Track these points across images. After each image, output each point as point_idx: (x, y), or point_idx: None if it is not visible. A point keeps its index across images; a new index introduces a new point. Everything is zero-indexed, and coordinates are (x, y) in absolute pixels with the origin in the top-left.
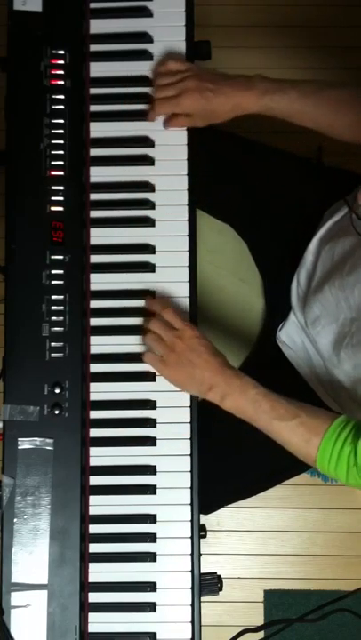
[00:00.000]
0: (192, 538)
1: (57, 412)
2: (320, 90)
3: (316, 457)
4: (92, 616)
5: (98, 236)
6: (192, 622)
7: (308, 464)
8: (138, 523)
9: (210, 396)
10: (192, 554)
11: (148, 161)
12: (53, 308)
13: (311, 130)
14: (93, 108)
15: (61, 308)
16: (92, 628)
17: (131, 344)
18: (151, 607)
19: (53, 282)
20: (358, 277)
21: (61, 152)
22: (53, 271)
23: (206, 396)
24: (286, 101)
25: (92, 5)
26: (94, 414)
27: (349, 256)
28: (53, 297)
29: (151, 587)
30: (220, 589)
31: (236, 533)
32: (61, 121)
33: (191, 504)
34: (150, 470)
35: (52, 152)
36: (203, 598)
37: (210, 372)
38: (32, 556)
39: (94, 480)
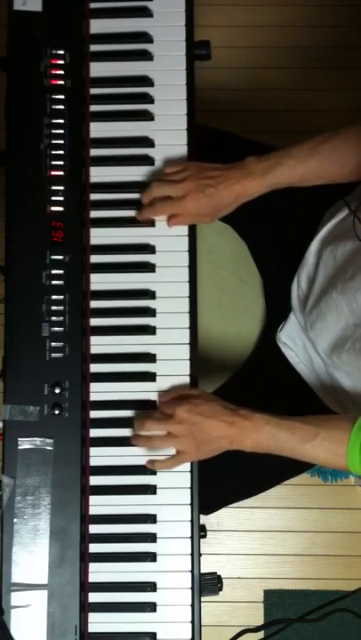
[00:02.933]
0: (192, 538)
1: (57, 411)
2: (316, 147)
3: (348, 464)
4: (92, 616)
5: (98, 235)
6: (192, 622)
7: (310, 465)
8: (138, 523)
9: (232, 448)
10: (192, 554)
11: (148, 161)
12: (53, 308)
13: (312, 131)
14: (93, 108)
15: (61, 308)
16: (92, 628)
17: (131, 344)
18: (151, 607)
19: (53, 282)
20: (360, 283)
21: (61, 152)
22: (53, 271)
23: (229, 449)
24: (288, 171)
25: (92, 5)
26: (94, 414)
27: (351, 261)
28: (53, 297)
29: (151, 587)
30: (220, 589)
31: (236, 533)
32: (61, 121)
33: (191, 504)
34: (150, 470)
35: (52, 152)
36: (203, 598)
37: (221, 430)
38: (32, 555)
39: (94, 480)
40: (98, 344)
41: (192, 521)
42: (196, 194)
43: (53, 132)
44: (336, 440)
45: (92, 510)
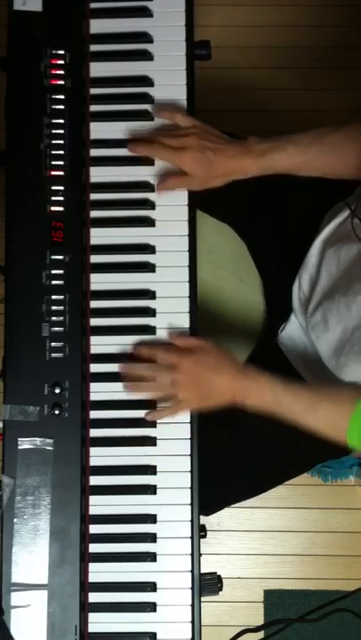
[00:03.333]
0: (192, 538)
1: (57, 411)
2: (318, 138)
3: (346, 437)
4: (92, 616)
5: (98, 235)
6: (192, 622)
7: (311, 465)
8: (138, 523)
9: (235, 402)
10: (192, 554)
11: (148, 161)
12: (53, 308)
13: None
14: (93, 108)
15: (61, 308)
16: (92, 628)
17: (131, 344)
18: (151, 607)
19: (53, 282)
20: None
21: (61, 152)
22: (53, 271)
23: (229, 404)
24: (286, 157)
25: (92, 5)
26: (94, 414)
27: (355, 264)
28: (53, 297)
29: (151, 587)
30: (220, 589)
31: (236, 533)
32: (61, 121)
33: (191, 504)
34: (150, 470)
35: (52, 152)
36: (203, 598)
37: (226, 384)
38: (32, 555)
39: (94, 480)
40: (98, 344)
41: (192, 521)
42: (194, 152)
43: (53, 132)
44: (339, 412)
45: (92, 510)
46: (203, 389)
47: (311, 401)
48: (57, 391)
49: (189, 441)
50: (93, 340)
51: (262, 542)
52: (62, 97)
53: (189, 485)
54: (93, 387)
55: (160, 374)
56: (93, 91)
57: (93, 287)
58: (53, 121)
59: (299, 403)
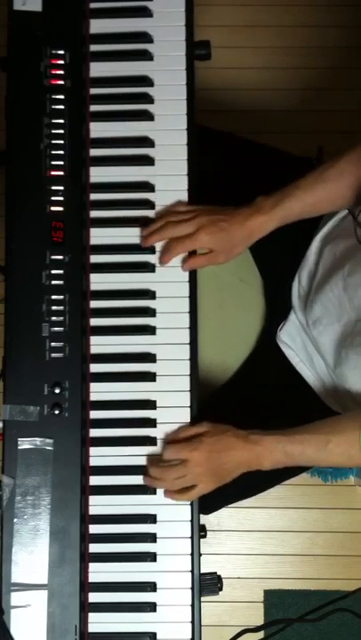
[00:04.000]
0: (192, 538)
1: (57, 411)
2: (321, 175)
3: None
4: (92, 616)
5: (98, 235)
6: (192, 622)
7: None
8: (138, 523)
9: (251, 470)
10: (192, 554)
11: (148, 161)
12: (53, 308)
13: (311, 132)
14: (93, 107)
15: (61, 308)
16: (92, 628)
17: (131, 344)
18: (151, 607)
19: (53, 282)
20: (360, 278)
21: (61, 152)
22: (53, 271)
23: (247, 471)
24: (297, 202)
25: (92, 5)
26: (94, 414)
27: (350, 257)
28: (53, 297)
29: (151, 587)
30: (220, 589)
31: (236, 533)
32: (61, 121)
33: (191, 504)
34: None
35: (52, 152)
36: (203, 598)
37: (238, 459)
38: (32, 555)
39: (94, 480)
40: (98, 344)
41: (192, 521)
42: (209, 227)
43: (53, 132)
44: (348, 442)
45: (92, 510)
46: (218, 472)
47: (320, 441)
48: (57, 391)
49: None
50: (93, 340)
51: (262, 542)
52: (62, 97)
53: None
54: (93, 387)
55: (175, 473)
56: (93, 91)
57: (93, 287)
58: (53, 121)
59: (309, 447)
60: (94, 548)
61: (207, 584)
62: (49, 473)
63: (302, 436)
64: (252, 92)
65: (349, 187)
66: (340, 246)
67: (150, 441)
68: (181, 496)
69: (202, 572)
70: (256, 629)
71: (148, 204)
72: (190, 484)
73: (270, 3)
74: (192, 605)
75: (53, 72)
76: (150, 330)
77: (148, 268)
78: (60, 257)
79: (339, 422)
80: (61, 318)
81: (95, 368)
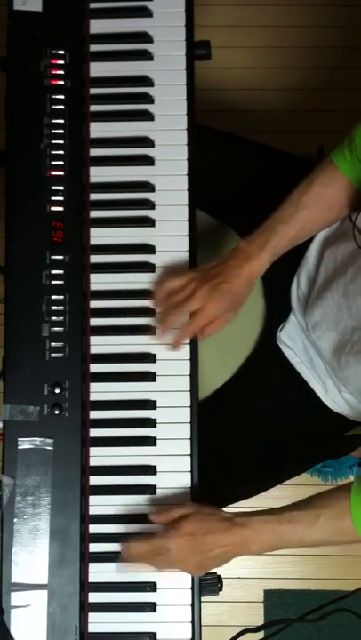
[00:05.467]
0: None
1: (57, 412)
2: (298, 203)
3: (358, 532)
4: (92, 616)
5: (98, 235)
6: (192, 622)
7: (311, 464)
8: (138, 523)
9: (238, 556)
10: None
11: (148, 161)
12: (53, 308)
13: (311, 132)
14: (93, 108)
15: (61, 308)
16: (92, 628)
17: (131, 344)
18: (151, 607)
19: (53, 282)
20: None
21: (61, 152)
22: (53, 271)
23: (238, 556)
24: (282, 237)
25: (92, 5)
26: (94, 414)
27: (351, 263)
28: (53, 297)
29: (151, 587)
30: (220, 589)
31: None
32: (61, 121)
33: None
34: (150, 470)
35: (52, 152)
36: (203, 598)
37: (222, 544)
38: (32, 555)
39: (94, 480)
40: (98, 344)
41: None
42: (212, 297)
43: (53, 132)
44: (339, 515)
45: (92, 510)
46: (200, 557)
47: (310, 518)
48: (57, 391)
49: (189, 441)
50: (93, 340)
51: None
52: (62, 97)
53: (189, 485)
54: (93, 387)
55: (155, 560)
56: (93, 91)
57: (93, 287)
58: (53, 121)
59: (299, 525)
60: (94, 547)
61: (207, 584)
62: (49, 473)
63: (291, 514)
64: (252, 92)
65: (330, 207)
66: (341, 250)
67: (150, 441)
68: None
69: None
70: (256, 629)
71: (149, 204)
72: (173, 567)
73: (270, 3)
74: (192, 605)
75: (53, 72)
76: (150, 330)
77: (148, 267)
78: (60, 257)
79: (328, 495)
80: (61, 318)
81: (95, 368)
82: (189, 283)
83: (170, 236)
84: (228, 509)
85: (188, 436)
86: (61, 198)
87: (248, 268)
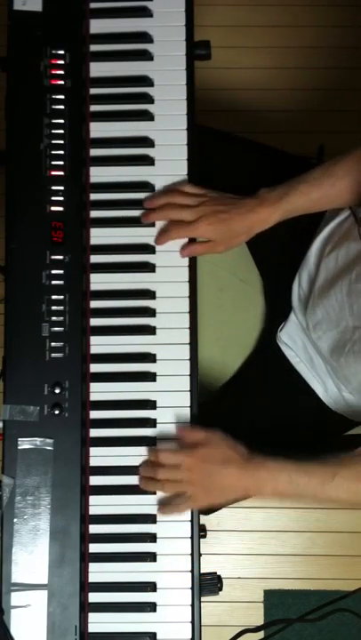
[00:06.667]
0: (192, 538)
1: (57, 412)
2: (327, 171)
3: None
4: (92, 616)
5: (98, 235)
6: (192, 622)
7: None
8: (138, 523)
9: (249, 495)
10: (192, 554)
11: (148, 161)
12: (53, 308)
13: (311, 132)
14: (93, 108)
15: (61, 308)
16: (92, 628)
17: (131, 344)
18: (151, 607)
19: (53, 282)
20: None
21: (61, 152)
22: (53, 271)
23: (246, 497)
24: (301, 196)
25: (92, 5)
26: (94, 414)
27: (355, 262)
28: (53, 297)
29: (151, 587)
30: (220, 589)
31: (236, 533)
32: (61, 121)
33: None
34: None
35: (52, 152)
36: (203, 598)
37: (234, 480)
38: (32, 555)
39: (94, 480)
40: (98, 344)
41: (192, 521)
42: (210, 217)
43: (53, 132)
44: (356, 477)
45: (92, 510)
46: (208, 486)
47: (327, 474)
48: (57, 391)
49: None
50: (93, 340)
51: (262, 542)
52: (62, 97)
53: None
54: (93, 387)
55: (165, 474)
56: (93, 91)
57: (93, 287)
58: (53, 121)
59: (314, 478)
60: (94, 548)
61: (207, 584)
62: (49, 473)
63: (309, 467)
64: (252, 92)
65: (353, 185)
66: (343, 250)
67: (150, 441)
68: (171, 510)
69: (202, 572)
70: (256, 629)
71: None
72: (181, 490)
73: (270, 3)
74: (192, 605)
75: (53, 72)
76: (150, 330)
77: (148, 267)
78: (60, 257)
79: (347, 457)
80: (61, 318)
81: (95, 368)
82: (202, 196)
83: None
84: (228, 509)
85: None
86: (61, 198)
87: (256, 214)
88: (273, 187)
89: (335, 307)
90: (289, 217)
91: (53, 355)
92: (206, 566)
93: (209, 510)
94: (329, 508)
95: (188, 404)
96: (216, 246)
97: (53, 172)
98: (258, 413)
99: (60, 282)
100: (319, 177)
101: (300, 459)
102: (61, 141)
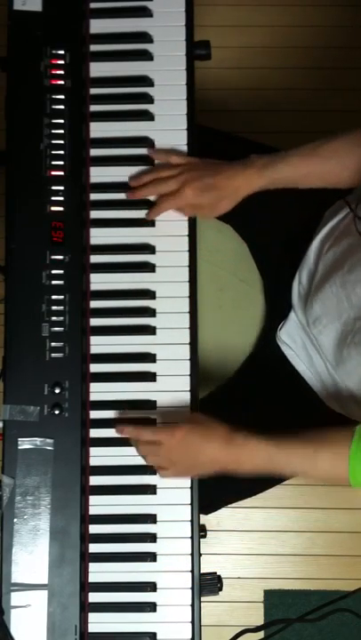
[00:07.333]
0: (192, 538)
1: (57, 412)
2: (318, 148)
3: (349, 478)
4: (92, 616)
5: (98, 235)
6: (192, 622)
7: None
8: (138, 523)
9: (226, 472)
10: (192, 554)
11: (148, 161)
12: (53, 308)
13: (311, 132)
14: (93, 108)
15: (61, 308)
16: (92, 628)
17: (131, 344)
18: (151, 607)
19: (53, 282)
20: (359, 275)
21: (61, 152)
22: (53, 271)
23: (223, 472)
24: (290, 167)
25: (92, 5)
26: (94, 414)
27: (350, 255)
28: (53, 297)
29: (151, 587)
30: (220, 589)
31: (236, 533)
32: (61, 121)
33: (191, 504)
34: (150, 470)
35: (52, 152)
36: (203, 598)
37: (214, 455)
38: (32, 555)
39: (94, 480)
40: (98, 344)
41: (192, 521)
42: (193, 183)
43: (53, 132)
44: (337, 457)
45: (92, 510)
46: (187, 462)
47: (308, 452)
48: (57, 391)
49: None
50: (93, 340)
51: (262, 542)
52: (62, 97)
53: (189, 485)
54: (93, 387)
55: (144, 450)
56: (93, 91)
57: (93, 287)
58: (53, 121)
59: (295, 457)
60: (94, 548)
61: (207, 584)
62: (49, 473)
63: (290, 443)
64: (252, 92)
65: (343, 167)
66: (341, 246)
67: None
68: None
69: (202, 572)
70: (256, 629)
71: (149, 204)
72: (159, 456)
73: (270, 3)
74: (192, 605)
75: (53, 72)
76: (150, 330)
77: (148, 267)
78: (60, 257)
79: (330, 432)
80: (61, 318)
81: (95, 368)
82: (185, 164)
83: (170, 236)
84: (228, 509)
85: None
86: (61, 198)
87: (243, 177)
88: (264, 155)
89: (332, 299)
90: (275, 187)
91: (53, 355)
92: (206, 566)
93: (209, 510)
94: (329, 508)
95: (189, 405)
96: (201, 210)
97: (53, 172)
98: (257, 413)
99: (60, 282)
100: (310, 153)
101: (283, 433)
102: (61, 141)
